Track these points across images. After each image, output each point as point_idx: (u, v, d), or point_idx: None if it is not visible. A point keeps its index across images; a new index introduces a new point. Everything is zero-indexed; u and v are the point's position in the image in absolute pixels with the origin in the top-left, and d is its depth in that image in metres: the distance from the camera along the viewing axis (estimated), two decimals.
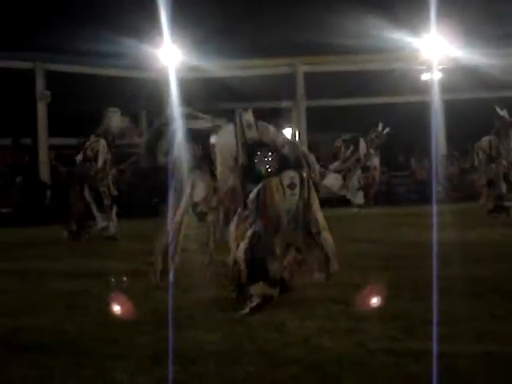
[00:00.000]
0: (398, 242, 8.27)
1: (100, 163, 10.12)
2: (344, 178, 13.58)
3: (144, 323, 4.14)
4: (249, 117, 4.68)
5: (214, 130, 4.90)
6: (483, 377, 2.99)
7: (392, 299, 4.56)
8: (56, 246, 9.47)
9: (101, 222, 10.12)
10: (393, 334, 3.68)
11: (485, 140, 11.91)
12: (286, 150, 4.66)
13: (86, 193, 10.13)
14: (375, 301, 4.25)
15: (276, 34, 17.41)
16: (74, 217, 10.16)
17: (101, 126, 10.22)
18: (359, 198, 14.43)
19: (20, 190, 15.80)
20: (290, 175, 4.51)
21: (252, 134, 4.63)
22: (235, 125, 4.67)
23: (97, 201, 10.15)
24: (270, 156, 4.62)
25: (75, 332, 3.93)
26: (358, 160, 13.93)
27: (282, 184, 4.47)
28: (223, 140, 4.75)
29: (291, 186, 4.49)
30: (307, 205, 4.50)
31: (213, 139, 4.84)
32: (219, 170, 4.73)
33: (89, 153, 10.18)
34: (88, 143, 10.28)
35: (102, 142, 10.13)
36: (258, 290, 4.34)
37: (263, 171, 4.58)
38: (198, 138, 4.94)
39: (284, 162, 4.62)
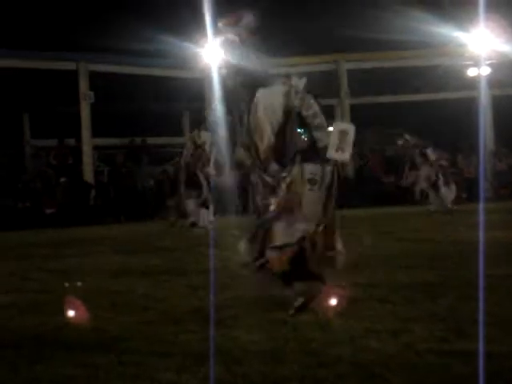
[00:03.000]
0: (444, 241, 8.17)
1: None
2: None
3: (187, 322, 4.11)
4: (300, 84, 4.38)
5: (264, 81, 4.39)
6: None
7: (439, 299, 4.48)
8: (100, 245, 9.58)
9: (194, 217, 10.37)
10: (441, 334, 3.60)
11: None
12: (318, 135, 4.35)
13: (183, 188, 10.40)
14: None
15: (319, 30, 17.30)
16: (173, 207, 10.46)
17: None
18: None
19: (64, 190, 16.02)
20: (311, 170, 4.30)
21: (295, 101, 4.31)
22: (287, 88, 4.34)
23: (193, 194, 10.39)
24: (301, 135, 4.34)
25: (118, 330, 3.93)
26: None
27: (302, 177, 4.28)
28: (269, 97, 4.32)
29: (311, 181, 4.29)
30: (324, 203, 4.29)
31: (259, 92, 4.33)
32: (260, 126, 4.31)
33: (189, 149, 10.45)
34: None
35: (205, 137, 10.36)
36: (302, 287, 4.27)
37: (290, 152, 4.31)
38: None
39: (310, 150, 4.35)
